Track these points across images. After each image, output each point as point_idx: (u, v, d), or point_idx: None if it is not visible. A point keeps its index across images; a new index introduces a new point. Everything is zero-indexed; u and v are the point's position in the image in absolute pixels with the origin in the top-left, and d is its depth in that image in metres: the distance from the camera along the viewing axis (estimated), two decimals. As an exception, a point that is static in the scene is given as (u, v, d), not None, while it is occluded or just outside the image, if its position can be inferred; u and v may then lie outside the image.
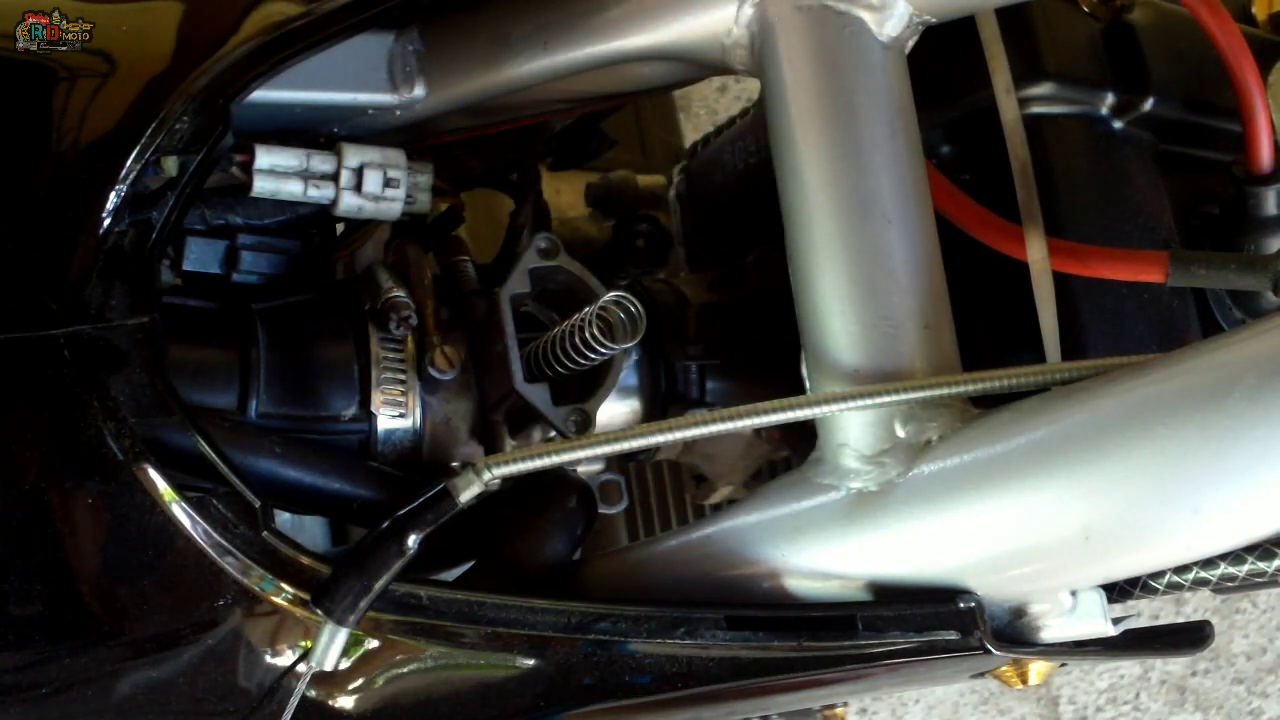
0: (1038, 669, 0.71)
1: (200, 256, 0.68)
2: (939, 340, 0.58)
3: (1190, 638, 0.61)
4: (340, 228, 0.76)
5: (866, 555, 0.57)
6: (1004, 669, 0.70)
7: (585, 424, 0.68)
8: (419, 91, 0.69)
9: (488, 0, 0.69)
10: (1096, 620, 0.57)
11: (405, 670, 0.58)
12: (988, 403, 0.57)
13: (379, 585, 0.54)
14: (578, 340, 0.65)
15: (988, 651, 0.56)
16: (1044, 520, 0.53)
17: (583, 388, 0.71)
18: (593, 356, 0.65)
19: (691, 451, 0.84)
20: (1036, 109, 0.70)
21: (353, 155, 0.66)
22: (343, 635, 0.54)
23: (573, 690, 0.59)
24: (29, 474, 0.54)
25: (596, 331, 0.64)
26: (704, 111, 1.63)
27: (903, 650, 0.58)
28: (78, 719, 0.56)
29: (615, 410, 0.75)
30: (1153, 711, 1.88)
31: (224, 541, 0.55)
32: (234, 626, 0.56)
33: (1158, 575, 0.57)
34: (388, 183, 0.67)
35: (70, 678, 0.55)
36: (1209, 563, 0.55)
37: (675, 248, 0.92)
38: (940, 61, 0.68)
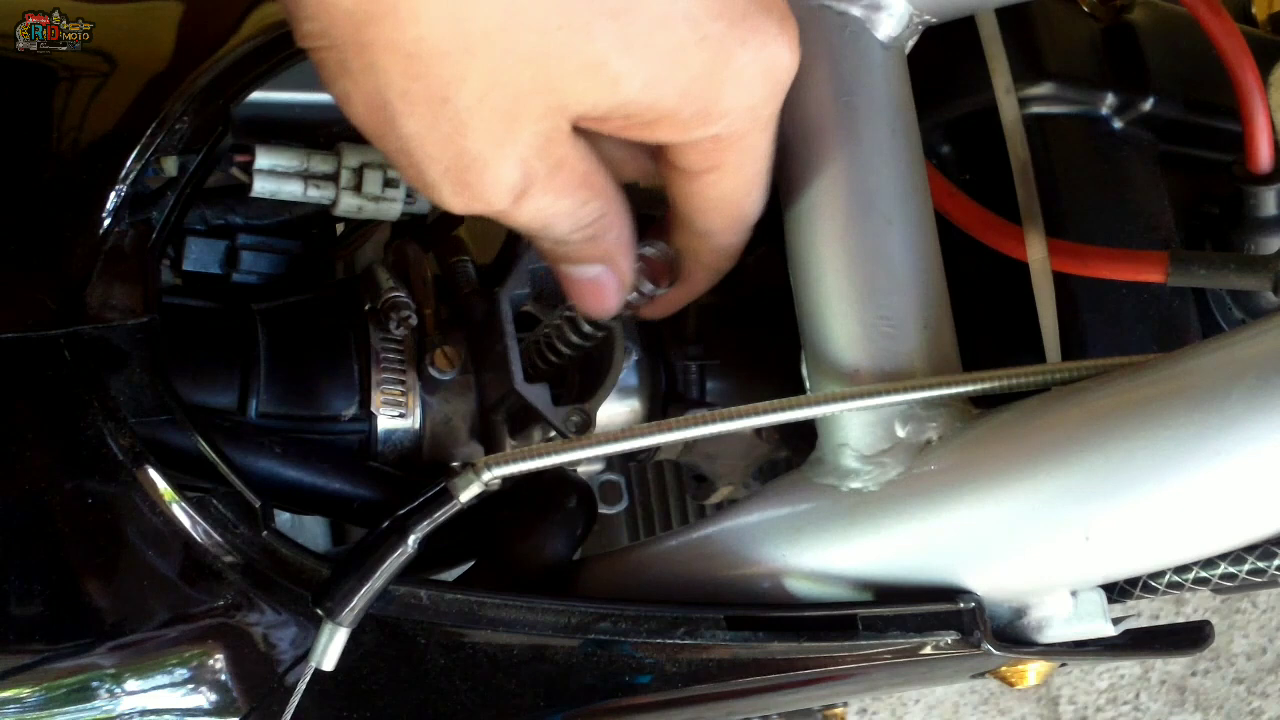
0: (1038, 669, 0.71)
1: (200, 256, 0.68)
2: (939, 340, 0.58)
3: (1190, 638, 0.61)
4: (340, 228, 0.76)
5: (866, 555, 0.57)
6: (1004, 669, 0.70)
7: (585, 424, 0.68)
8: (419, 91, 0.69)
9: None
10: (1097, 620, 0.57)
11: (404, 671, 0.58)
12: (988, 403, 0.57)
13: (379, 585, 0.54)
14: (567, 328, 0.65)
15: (988, 652, 0.56)
16: (1044, 520, 0.53)
17: (583, 388, 0.71)
18: (584, 340, 0.65)
19: (691, 451, 0.84)
20: (1036, 109, 0.70)
21: (353, 155, 0.67)
22: (342, 635, 0.54)
23: (573, 690, 0.59)
24: (29, 474, 0.54)
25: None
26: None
27: (903, 650, 0.58)
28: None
29: (615, 410, 0.75)
30: (1153, 711, 1.88)
31: (224, 541, 0.55)
32: (233, 626, 0.56)
33: (1158, 575, 0.57)
34: (387, 183, 0.67)
35: (70, 678, 0.55)
36: (1209, 563, 0.55)
37: (675, 248, 0.92)
38: (940, 61, 0.68)
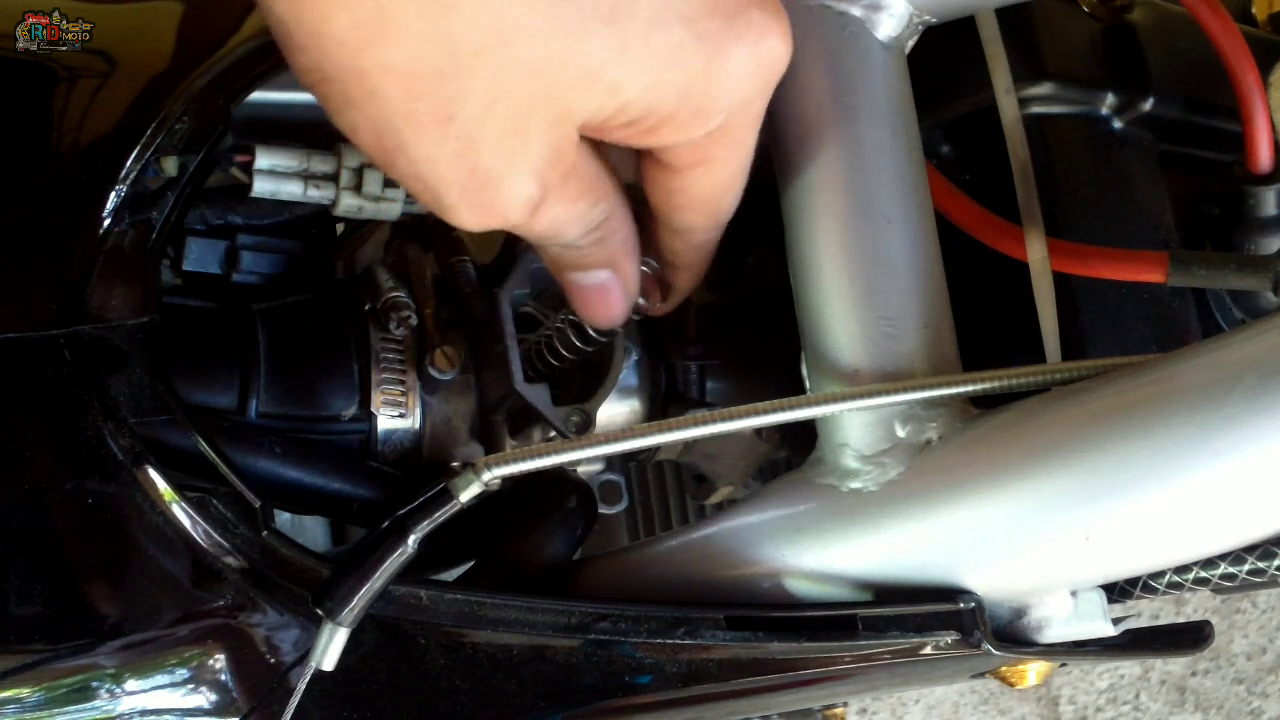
0: (1038, 669, 0.71)
1: (200, 256, 0.68)
2: (939, 340, 0.59)
3: (1190, 638, 0.61)
4: (340, 228, 0.76)
5: (867, 555, 0.57)
6: (1004, 669, 0.70)
7: (585, 424, 0.68)
8: (419, 91, 0.69)
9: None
10: (1097, 620, 0.57)
11: (404, 671, 0.58)
12: (988, 403, 0.57)
13: (379, 585, 0.54)
14: (571, 333, 0.65)
15: (988, 652, 0.56)
16: (1044, 520, 0.53)
17: (583, 388, 0.71)
18: (587, 346, 0.65)
19: (692, 451, 0.84)
20: (1036, 109, 0.70)
21: (353, 155, 0.66)
22: (342, 635, 0.54)
23: (573, 690, 0.59)
24: (28, 474, 0.54)
25: None
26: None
27: (903, 650, 0.58)
28: None
29: (615, 410, 0.75)
30: (1153, 711, 1.88)
31: (224, 541, 0.55)
32: (234, 627, 0.56)
33: (1158, 575, 0.57)
34: (388, 183, 0.67)
35: (70, 679, 0.55)
36: (1209, 563, 0.56)
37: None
38: (940, 61, 0.68)
